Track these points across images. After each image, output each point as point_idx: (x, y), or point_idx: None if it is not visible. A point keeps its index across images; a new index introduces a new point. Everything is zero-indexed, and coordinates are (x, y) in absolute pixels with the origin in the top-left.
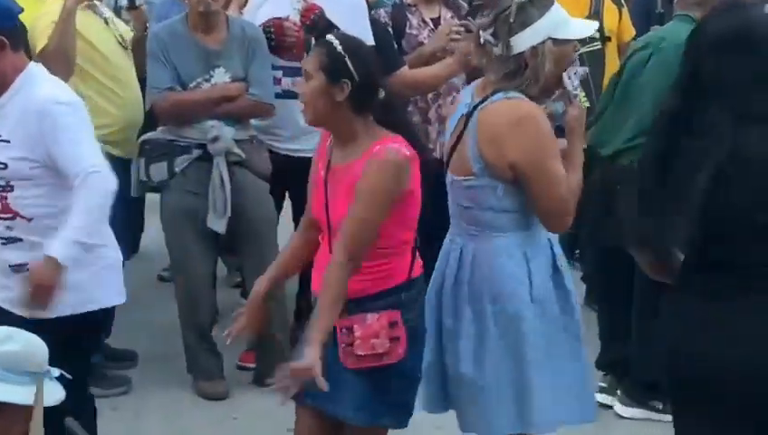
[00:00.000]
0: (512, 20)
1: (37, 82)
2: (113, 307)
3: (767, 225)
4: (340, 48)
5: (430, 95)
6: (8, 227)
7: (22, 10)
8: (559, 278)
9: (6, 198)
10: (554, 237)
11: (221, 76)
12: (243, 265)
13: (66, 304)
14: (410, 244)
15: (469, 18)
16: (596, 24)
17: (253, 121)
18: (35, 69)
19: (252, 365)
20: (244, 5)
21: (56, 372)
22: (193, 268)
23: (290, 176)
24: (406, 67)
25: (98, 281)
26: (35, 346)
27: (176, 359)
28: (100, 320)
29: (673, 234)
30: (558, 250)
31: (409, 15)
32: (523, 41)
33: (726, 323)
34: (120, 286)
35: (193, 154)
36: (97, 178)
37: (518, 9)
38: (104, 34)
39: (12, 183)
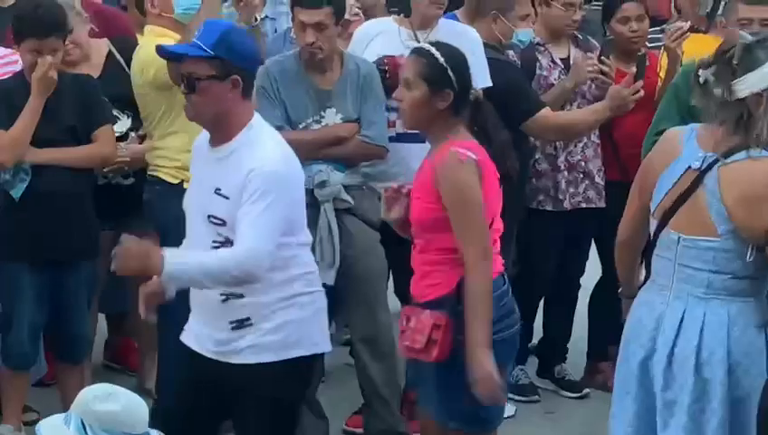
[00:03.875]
0: (735, 61)
1: (259, 140)
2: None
3: None
4: (441, 59)
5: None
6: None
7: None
8: None
9: None
10: None
11: (332, 117)
12: (350, 321)
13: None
14: None
15: (603, 57)
16: None
17: (363, 167)
18: (260, 122)
19: (360, 430)
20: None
21: (156, 434)
22: None
23: None
24: (547, 109)
25: (308, 325)
26: (136, 406)
27: None
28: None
29: None
30: None
31: (539, 56)
32: (747, 86)
33: None
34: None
35: None
36: (249, 256)
37: (743, 50)
38: None
39: (231, 238)
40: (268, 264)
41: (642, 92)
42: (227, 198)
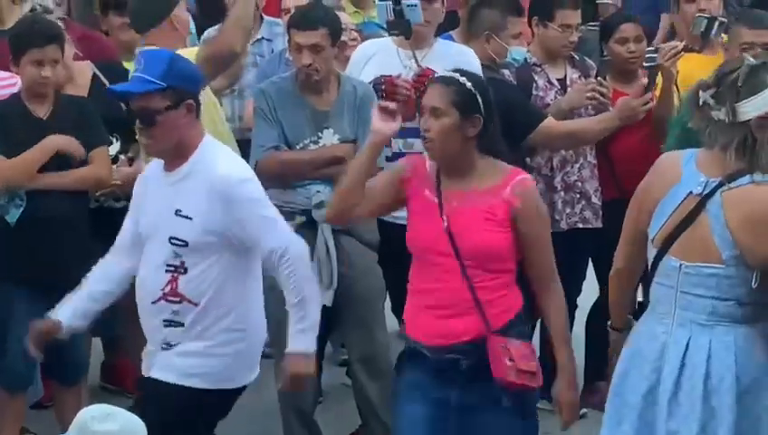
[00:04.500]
0: (740, 84)
1: (216, 156)
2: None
3: None
4: (469, 85)
5: (556, 161)
6: (174, 312)
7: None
8: None
9: (177, 280)
10: None
11: (329, 138)
12: (348, 341)
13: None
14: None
15: (600, 78)
16: None
17: None
18: (211, 140)
19: None
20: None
21: None
22: None
23: (400, 245)
24: (550, 118)
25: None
26: (134, 427)
27: None
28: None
29: None
30: None
31: (535, 76)
32: (752, 108)
33: None
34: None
35: (296, 221)
36: (292, 255)
37: (749, 72)
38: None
39: (186, 264)
40: (301, 242)
41: (652, 103)
42: (190, 218)
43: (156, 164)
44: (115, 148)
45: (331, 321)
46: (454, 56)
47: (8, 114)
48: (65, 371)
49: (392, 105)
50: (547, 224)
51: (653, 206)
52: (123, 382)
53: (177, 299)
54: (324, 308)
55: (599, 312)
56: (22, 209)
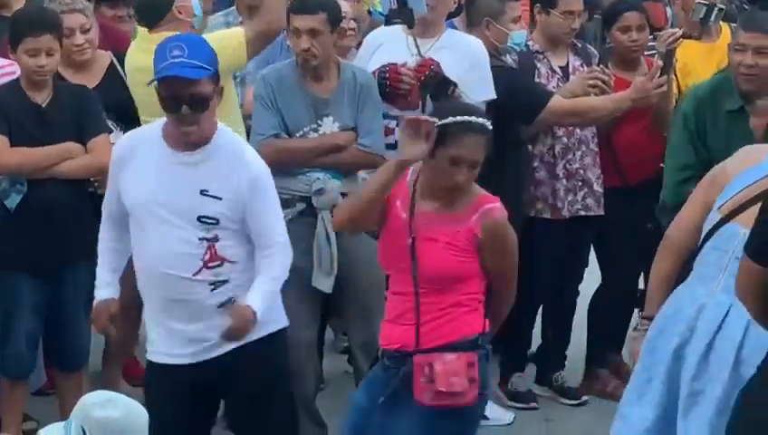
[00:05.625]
0: None
1: (238, 142)
2: None
3: None
4: (489, 125)
5: (558, 149)
6: (216, 274)
7: None
8: None
9: (214, 246)
10: None
11: (329, 125)
12: (349, 329)
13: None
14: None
15: (602, 66)
16: None
17: (361, 174)
18: (224, 126)
19: None
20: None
21: None
22: (296, 332)
23: None
24: (557, 96)
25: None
26: (136, 413)
27: None
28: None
29: None
30: None
31: (538, 64)
32: None
33: None
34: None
35: (296, 208)
36: (284, 254)
37: None
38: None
39: (219, 235)
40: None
41: (665, 87)
42: (219, 198)
43: (138, 142)
44: (117, 136)
45: (329, 308)
46: (462, 46)
47: (7, 100)
48: (67, 357)
49: (425, 126)
50: (512, 257)
51: (726, 180)
52: (126, 370)
53: (218, 262)
54: (323, 295)
55: (601, 299)
56: (22, 195)
